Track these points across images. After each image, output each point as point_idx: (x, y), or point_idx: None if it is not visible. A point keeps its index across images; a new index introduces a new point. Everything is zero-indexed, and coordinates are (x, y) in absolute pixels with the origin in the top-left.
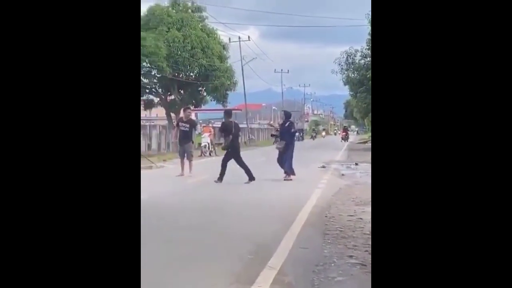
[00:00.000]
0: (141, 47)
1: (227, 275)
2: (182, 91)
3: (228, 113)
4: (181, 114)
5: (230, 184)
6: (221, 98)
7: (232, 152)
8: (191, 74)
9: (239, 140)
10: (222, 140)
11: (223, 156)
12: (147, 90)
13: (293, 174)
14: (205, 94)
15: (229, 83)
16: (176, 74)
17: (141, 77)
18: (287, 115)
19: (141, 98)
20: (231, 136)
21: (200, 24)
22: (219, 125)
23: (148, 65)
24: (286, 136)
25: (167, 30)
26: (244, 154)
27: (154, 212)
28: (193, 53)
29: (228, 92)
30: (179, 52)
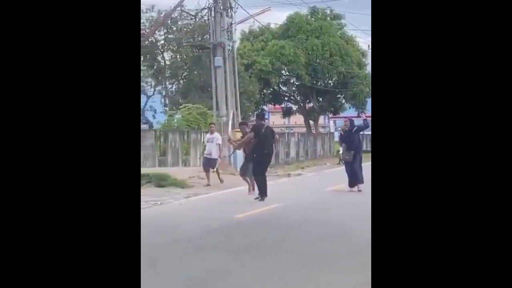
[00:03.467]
0: (280, 56)
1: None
2: (320, 99)
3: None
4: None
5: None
6: (360, 105)
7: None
8: (330, 81)
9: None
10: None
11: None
12: (286, 98)
13: (362, 182)
14: (343, 101)
15: (368, 90)
16: (315, 82)
17: (280, 85)
18: (352, 124)
19: (280, 105)
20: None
21: (339, 31)
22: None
23: (287, 73)
24: (353, 146)
25: (306, 38)
26: None
27: (280, 223)
28: (332, 61)
29: (367, 99)
30: (318, 59)
